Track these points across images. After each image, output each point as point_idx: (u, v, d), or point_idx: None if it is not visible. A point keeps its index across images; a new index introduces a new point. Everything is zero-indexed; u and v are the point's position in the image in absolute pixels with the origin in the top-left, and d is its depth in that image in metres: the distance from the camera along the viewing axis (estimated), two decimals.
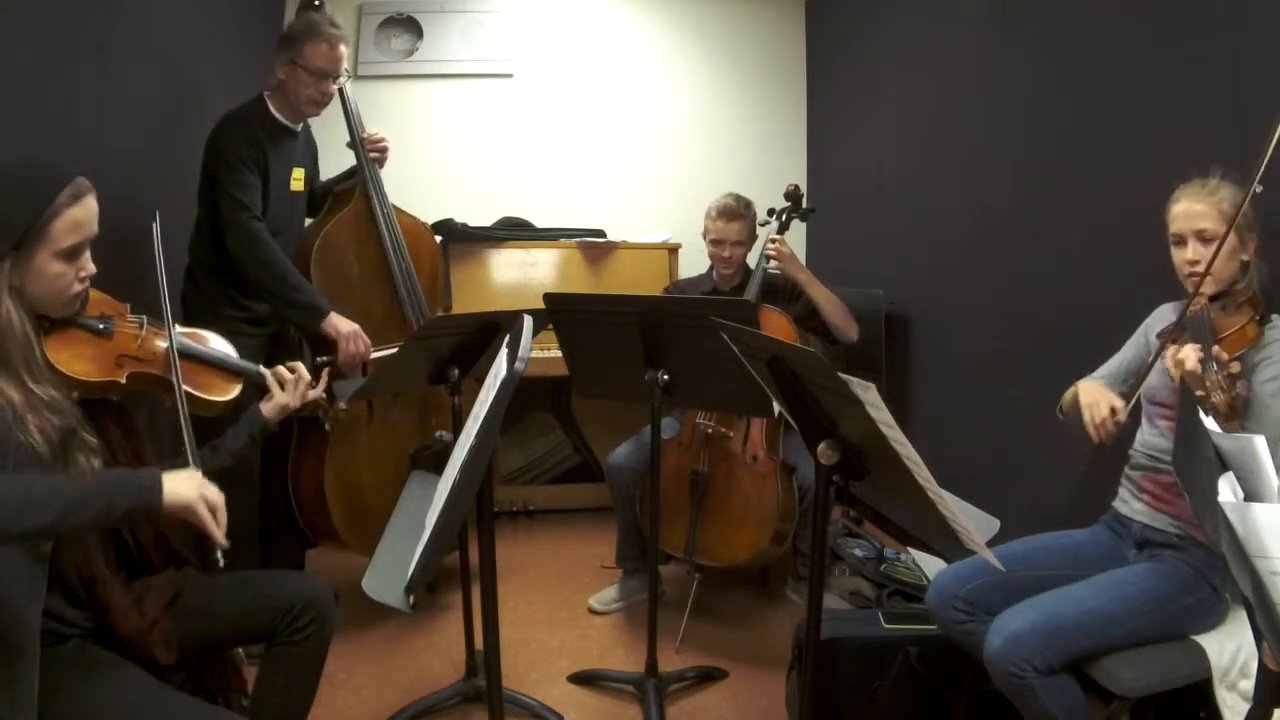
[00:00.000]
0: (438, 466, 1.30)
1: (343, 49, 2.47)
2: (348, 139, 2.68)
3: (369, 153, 2.66)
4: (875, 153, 3.68)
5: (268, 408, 1.71)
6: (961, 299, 2.98)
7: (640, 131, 4.31)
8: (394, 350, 2.28)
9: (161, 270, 1.56)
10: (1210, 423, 1.12)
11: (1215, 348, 1.39)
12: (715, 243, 2.89)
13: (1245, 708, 1.45)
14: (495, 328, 2.09)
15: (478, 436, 1.15)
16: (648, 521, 2.52)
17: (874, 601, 2.59)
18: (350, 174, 2.76)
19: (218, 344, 1.71)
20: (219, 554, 1.35)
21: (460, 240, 3.74)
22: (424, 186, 3.75)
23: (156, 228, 1.58)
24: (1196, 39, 1.93)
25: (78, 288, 1.35)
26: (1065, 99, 2.39)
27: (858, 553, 2.80)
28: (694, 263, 3.66)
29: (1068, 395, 1.83)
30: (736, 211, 2.86)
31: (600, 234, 3.99)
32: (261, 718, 1.51)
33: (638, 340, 2.07)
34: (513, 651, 2.50)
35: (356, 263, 2.65)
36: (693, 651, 2.54)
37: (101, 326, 1.45)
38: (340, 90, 2.58)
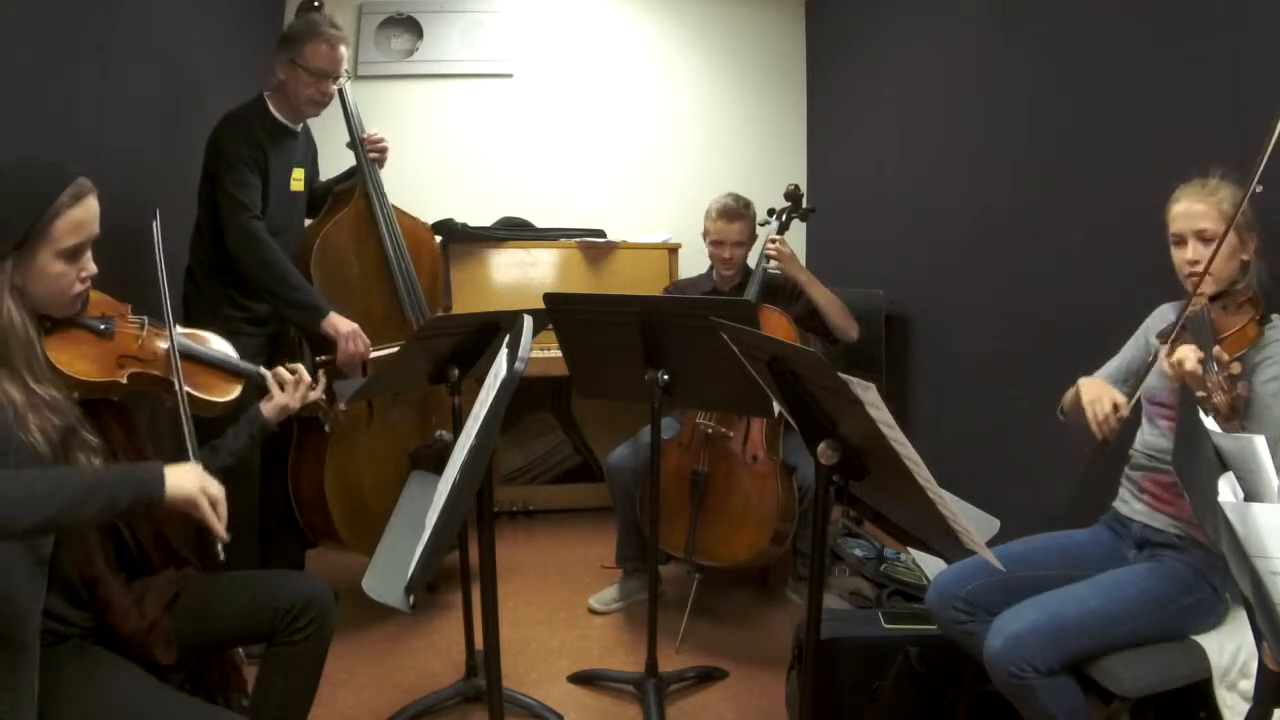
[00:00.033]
0: (438, 466, 1.30)
1: (343, 49, 2.48)
2: (347, 139, 2.68)
3: (369, 153, 2.67)
4: (875, 153, 3.68)
5: (268, 408, 1.72)
6: (961, 299, 2.98)
7: (640, 131, 4.31)
8: (394, 350, 2.28)
9: (162, 269, 1.56)
10: (1210, 423, 1.12)
11: (1216, 348, 1.39)
12: (715, 243, 2.89)
13: (1245, 708, 1.45)
14: (495, 328, 2.09)
15: (478, 436, 1.15)
16: (648, 521, 2.52)
17: (874, 601, 2.59)
18: (350, 174, 2.76)
19: (218, 345, 1.72)
20: (219, 547, 1.35)
21: (460, 240, 3.74)
22: (424, 186, 3.75)
23: (157, 225, 1.58)
24: (1196, 39, 1.93)
25: (79, 288, 1.35)
26: (1065, 99, 2.39)
27: (858, 553, 2.80)
28: (694, 263, 3.66)
29: (1068, 395, 1.83)
30: (736, 212, 2.86)
31: (600, 234, 3.99)
32: (261, 718, 1.51)
33: (638, 340, 2.07)
34: (513, 651, 2.50)
35: (356, 263, 2.65)
36: (693, 651, 2.54)
37: (102, 327, 1.45)
38: (340, 91, 2.58)
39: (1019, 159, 2.62)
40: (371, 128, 2.71)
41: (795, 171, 4.32)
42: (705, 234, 2.93)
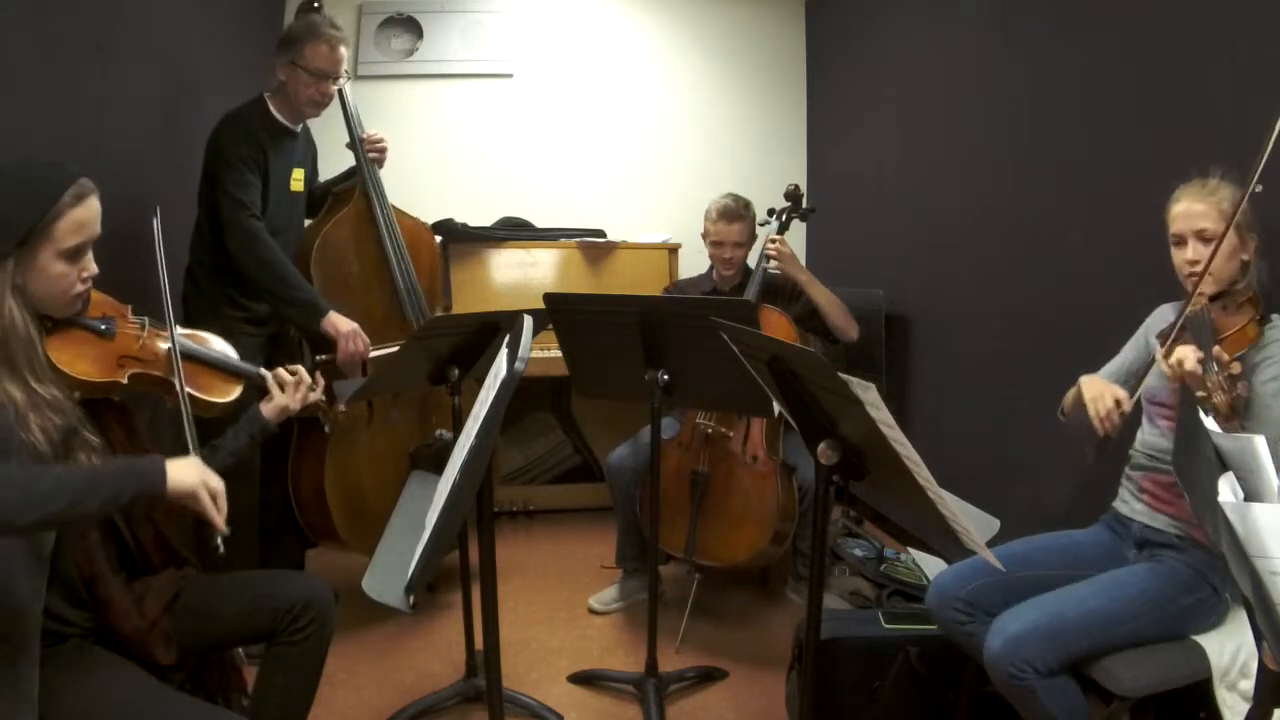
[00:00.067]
0: (438, 466, 1.30)
1: (343, 50, 2.48)
2: (347, 139, 2.68)
3: (368, 153, 2.67)
4: (875, 153, 3.68)
5: (268, 409, 1.72)
6: (961, 299, 2.98)
7: (640, 131, 4.31)
8: (394, 350, 2.28)
9: (163, 269, 1.56)
10: (1210, 423, 1.12)
11: (1216, 348, 1.39)
12: (716, 244, 2.89)
13: (1245, 708, 1.45)
14: (495, 328, 2.09)
15: (478, 436, 1.15)
16: (648, 521, 2.52)
17: (874, 601, 2.59)
18: (350, 174, 2.77)
19: (218, 345, 1.72)
20: (219, 540, 1.36)
21: (460, 240, 3.74)
22: (424, 186, 3.75)
23: (157, 223, 1.58)
24: (1196, 39, 1.93)
25: (80, 288, 1.35)
26: (1065, 99, 2.39)
27: (858, 553, 2.80)
28: (694, 263, 3.66)
29: (1069, 394, 1.83)
30: (736, 212, 2.86)
31: (600, 234, 3.99)
32: (261, 718, 1.51)
33: (638, 340, 2.07)
34: (513, 651, 2.50)
35: (356, 263, 2.65)
36: (693, 651, 2.54)
37: (103, 327, 1.46)
38: (340, 91, 2.58)
39: (1019, 159, 2.62)
40: (371, 128, 2.71)
41: (795, 171, 4.32)
42: (705, 235, 2.93)
